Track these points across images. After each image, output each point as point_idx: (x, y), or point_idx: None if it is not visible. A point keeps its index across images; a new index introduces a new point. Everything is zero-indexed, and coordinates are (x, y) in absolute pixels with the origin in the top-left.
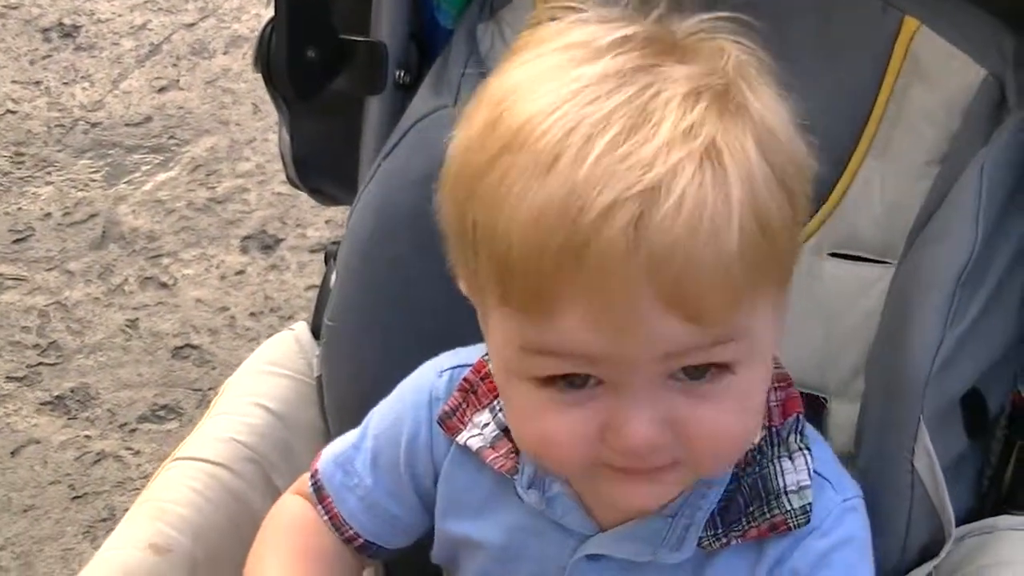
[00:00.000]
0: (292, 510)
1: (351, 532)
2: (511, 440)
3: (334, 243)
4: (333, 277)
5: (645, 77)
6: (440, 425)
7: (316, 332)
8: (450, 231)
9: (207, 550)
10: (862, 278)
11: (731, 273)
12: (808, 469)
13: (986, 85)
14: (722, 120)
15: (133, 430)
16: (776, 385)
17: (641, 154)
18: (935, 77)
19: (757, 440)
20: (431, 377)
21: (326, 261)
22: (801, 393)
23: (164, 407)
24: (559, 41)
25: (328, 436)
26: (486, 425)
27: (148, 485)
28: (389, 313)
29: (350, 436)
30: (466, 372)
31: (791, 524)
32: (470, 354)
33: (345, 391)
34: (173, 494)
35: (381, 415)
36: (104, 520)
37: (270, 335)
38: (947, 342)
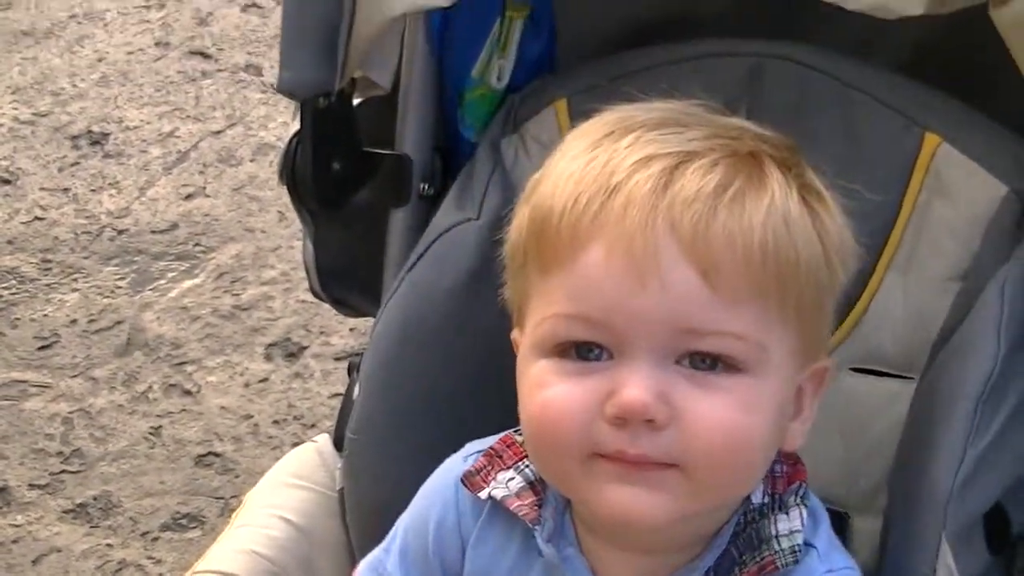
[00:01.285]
0: None
1: None
2: (536, 493)
3: (357, 354)
4: (356, 389)
5: (711, 113)
6: (464, 484)
7: (338, 444)
8: (507, 256)
9: None
10: (884, 393)
11: (751, 245)
12: (802, 519)
13: (1008, 202)
14: (774, 152)
15: (155, 539)
16: (784, 460)
17: (684, 134)
18: (957, 193)
19: (759, 502)
20: (457, 463)
21: (349, 372)
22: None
23: (187, 515)
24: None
25: (350, 549)
26: (511, 480)
27: None
28: (412, 427)
29: (383, 542)
30: (491, 445)
31: (779, 563)
32: (494, 440)
33: (367, 504)
34: None
35: (409, 513)
36: None
37: (294, 443)
38: (969, 459)
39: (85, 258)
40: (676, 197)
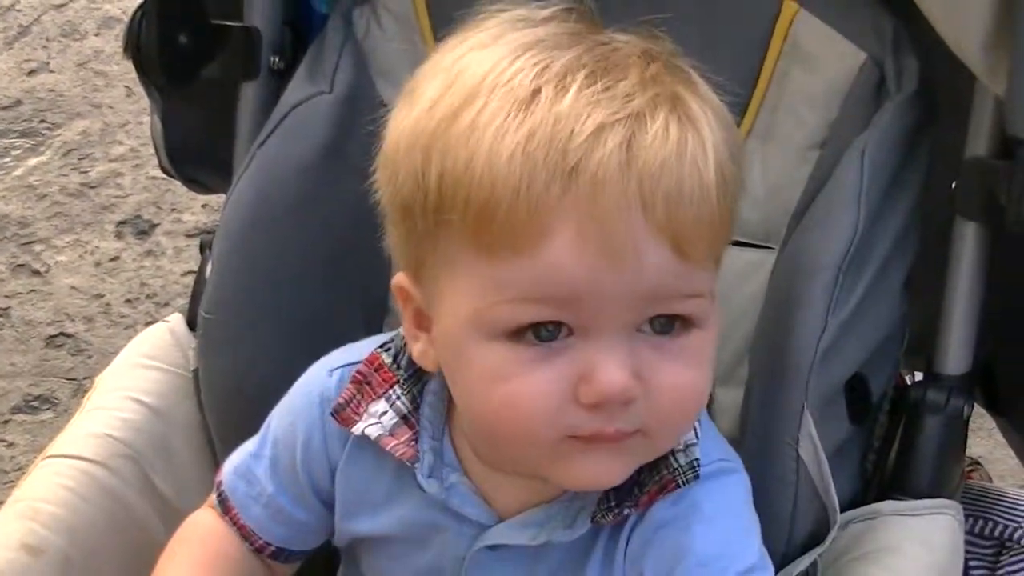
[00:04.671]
0: (200, 522)
1: (261, 542)
2: (411, 427)
3: (209, 231)
4: (208, 267)
5: (597, 37)
6: (334, 417)
7: (192, 324)
8: (394, 205)
9: (82, 550)
10: (744, 263)
11: (711, 206)
12: (696, 431)
13: (866, 69)
14: (675, 81)
15: (6, 421)
16: None
17: (619, 88)
18: (815, 61)
19: None
20: (322, 377)
21: (201, 250)
22: None
23: (38, 397)
24: (497, 17)
25: (206, 430)
26: (384, 414)
27: (19, 484)
28: (266, 306)
29: (249, 444)
30: (357, 368)
31: (679, 481)
32: (360, 350)
33: (222, 384)
34: (46, 493)
35: (278, 419)
36: None
37: (146, 322)
38: (830, 328)
39: None
40: (643, 175)
